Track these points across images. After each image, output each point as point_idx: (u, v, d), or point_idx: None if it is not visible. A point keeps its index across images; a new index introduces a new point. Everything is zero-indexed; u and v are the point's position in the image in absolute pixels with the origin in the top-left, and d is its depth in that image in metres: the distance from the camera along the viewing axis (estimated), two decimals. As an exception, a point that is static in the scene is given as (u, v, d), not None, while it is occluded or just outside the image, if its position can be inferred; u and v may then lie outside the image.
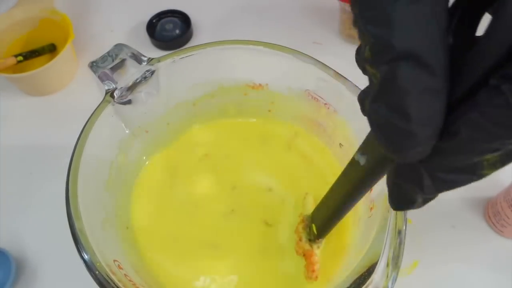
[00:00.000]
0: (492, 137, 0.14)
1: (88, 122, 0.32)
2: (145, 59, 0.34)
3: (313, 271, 0.31)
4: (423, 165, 0.16)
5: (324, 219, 0.29)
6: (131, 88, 0.34)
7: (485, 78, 0.13)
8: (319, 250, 0.31)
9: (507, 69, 0.13)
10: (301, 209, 0.34)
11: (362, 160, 0.21)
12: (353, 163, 0.22)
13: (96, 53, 0.35)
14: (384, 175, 0.20)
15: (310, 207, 0.33)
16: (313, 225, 0.31)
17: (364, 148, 0.21)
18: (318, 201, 0.30)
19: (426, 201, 0.18)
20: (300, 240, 0.32)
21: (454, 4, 0.15)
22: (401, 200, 0.18)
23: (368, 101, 0.15)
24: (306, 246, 0.32)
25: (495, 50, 0.13)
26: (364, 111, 0.16)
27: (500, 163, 0.15)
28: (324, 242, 0.31)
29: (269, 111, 0.41)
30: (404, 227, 0.27)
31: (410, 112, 0.14)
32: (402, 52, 0.13)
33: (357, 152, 0.22)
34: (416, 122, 0.14)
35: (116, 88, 0.33)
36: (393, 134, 0.14)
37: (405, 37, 0.13)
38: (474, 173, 0.15)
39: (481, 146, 0.14)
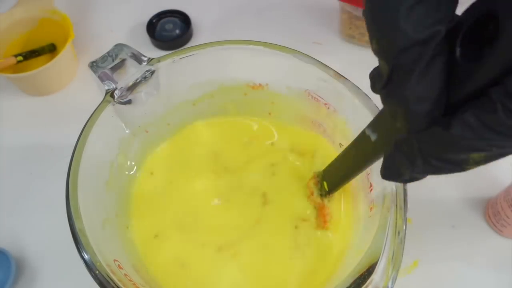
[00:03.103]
0: (479, 137, 0.16)
1: (88, 122, 0.32)
2: (145, 59, 0.34)
3: (325, 222, 0.35)
4: (419, 146, 0.18)
5: (335, 179, 0.33)
6: (131, 88, 0.34)
7: (486, 87, 0.15)
8: (330, 203, 0.36)
9: (504, 83, 0.15)
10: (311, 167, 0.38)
11: (373, 136, 0.25)
12: (363, 137, 0.26)
13: (96, 53, 0.35)
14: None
15: (319, 164, 0.37)
16: (324, 182, 0.35)
17: (375, 125, 0.25)
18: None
19: (412, 179, 0.21)
20: (312, 194, 0.36)
21: (459, 20, 0.17)
22: (392, 171, 0.21)
23: (378, 86, 0.18)
24: (318, 199, 0.36)
25: (494, 67, 0.15)
26: (374, 89, 0.19)
27: (483, 162, 0.17)
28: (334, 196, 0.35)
29: (269, 111, 0.41)
30: (404, 227, 0.27)
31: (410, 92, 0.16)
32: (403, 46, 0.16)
33: (368, 127, 0.26)
34: (417, 98, 0.17)
35: (116, 88, 0.33)
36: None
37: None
38: (460, 166, 0.18)
39: (468, 144, 0.16)
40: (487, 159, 0.17)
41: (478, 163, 0.17)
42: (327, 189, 0.35)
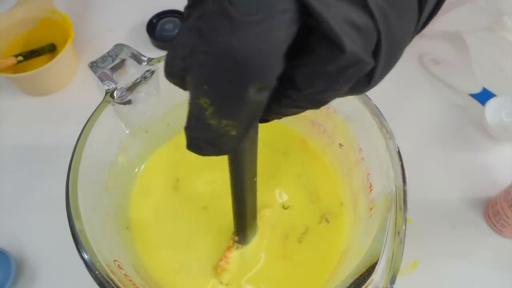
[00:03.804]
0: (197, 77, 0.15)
1: (88, 122, 0.32)
2: (145, 59, 0.34)
3: (222, 263, 0.34)
4: None
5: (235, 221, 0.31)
6: (131, 88, 0.34)
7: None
8: (236, 252, 0.34)
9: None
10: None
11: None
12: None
13: (96, 53, 0.35)
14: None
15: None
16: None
17: None
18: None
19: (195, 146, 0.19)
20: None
21: None
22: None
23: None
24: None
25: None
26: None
27: (217, 114, 0.16)
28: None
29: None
30: (404, 227, 0.27)
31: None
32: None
33: None
34: None
35: (116, 88, 0.33)
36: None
37: None
38: (202, 119, 0.16)
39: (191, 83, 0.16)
40: (215, 108, 0.16)
41: (213, 115, 0.16)
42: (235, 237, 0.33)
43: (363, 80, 0.16)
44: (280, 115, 0.19)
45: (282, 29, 0.14)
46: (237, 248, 0.34)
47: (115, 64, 0.33)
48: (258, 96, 0.15)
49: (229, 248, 0.34)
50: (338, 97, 0.17)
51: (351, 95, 0.18)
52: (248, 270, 0.34)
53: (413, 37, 0.18)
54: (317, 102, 0.17)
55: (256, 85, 0.15)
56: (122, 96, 0.33)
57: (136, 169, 0.39)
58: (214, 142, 0.17)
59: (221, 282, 0.34)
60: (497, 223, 0.40)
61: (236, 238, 0.33)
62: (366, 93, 0.32)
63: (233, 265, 0.33)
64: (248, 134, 0.18)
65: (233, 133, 0.17)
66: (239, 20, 0.13)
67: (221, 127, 0.16)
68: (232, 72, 0.14)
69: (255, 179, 0.26)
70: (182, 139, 0.41)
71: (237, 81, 0.14)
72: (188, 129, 0.18)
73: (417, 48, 0.54)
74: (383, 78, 0.17)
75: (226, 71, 0.14)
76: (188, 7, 0.16)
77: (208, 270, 0.35)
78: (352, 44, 0.14)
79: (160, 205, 0.38)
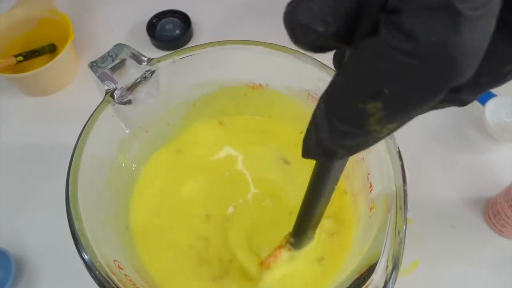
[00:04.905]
0: (371, 74, 0.13)
1: (88, 122, 0.32)
2: (145, 59, 0.34)
3: (269, 260, 0.31)
4: (322, 101, 0.16)
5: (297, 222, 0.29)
6: (131, 88, 0.34)
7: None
8: (287, 253, 0.31)
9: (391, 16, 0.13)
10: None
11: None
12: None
13: (96, 53, 0.35)
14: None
15: None
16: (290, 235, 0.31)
17: None
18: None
19: (326, 152, 0.17)
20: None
21: None
22: (305, 148, 0.18)
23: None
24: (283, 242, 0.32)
25: None
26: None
27: (386, 119, 0.14)
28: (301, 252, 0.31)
29: (269, 111, 0.41)
30: (404, 227, 0.27)
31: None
32: None
33: None
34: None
35: (116, 88, 0.33)
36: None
37: None
38: (362, 126, 0.15)
39: (361, 82, 0.14)
40: (387, 113, 0.14)
41: (380, 120, 0.14)
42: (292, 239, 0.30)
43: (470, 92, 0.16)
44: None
45: (493, 25, 0.12)
46: (289, 249, 0.32)
47: (115, 64, 0.33)
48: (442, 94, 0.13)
49: (280, 247, 0.32)
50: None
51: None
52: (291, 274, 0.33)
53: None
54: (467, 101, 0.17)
55: (453, 86, 0.13)
56: (122, 96, 0.33)
57: (136, 169, 0.39)
58: (353, 147, 0.16)
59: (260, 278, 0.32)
60: (497, 223, 0.40)
61: (292, 240, 0.31)
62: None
63: (279, 265, 0.32)
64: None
65: (383, 135, 0.15)
66: (466, 14, 0.12)
67: (377, 131, 0.15)
68: (433, 73, 0.13)
69: (335, 186, 0.24)
70: (182, 139, 0.41)
71: (437, 82, 0.13)
72: (331, 138, 0.15)
73: (417, 48, 0.54)
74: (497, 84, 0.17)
75: (427, 72, 0.13)
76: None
77: (208, 269, 0.35)
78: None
79: (160, 205, 0.38)
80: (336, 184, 0.24)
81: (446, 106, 0.16)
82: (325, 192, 0.24)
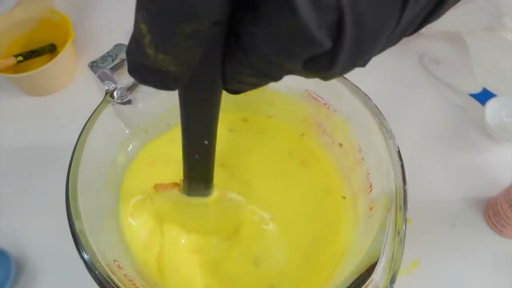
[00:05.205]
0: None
1: (88, 122, 0.32)
2: (145, 59, 0.34)
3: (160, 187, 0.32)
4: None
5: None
6: (131, 88, 0.34)
7: None
8: (176, 192, 0.32)
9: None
10: None
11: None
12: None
13: (96, 53, 0.35)
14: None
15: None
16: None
17: None
18: None
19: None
20: None
21: None
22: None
23: None
24: None
25: None
26: None
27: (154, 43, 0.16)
28: None
29: (269, 111, 0.41)
30: (404, 227, 0.27)
31: None
32: None
33: None
34: None
35: (116, 88, 0.33)
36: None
37: None
38: (140, 45, 0.16)
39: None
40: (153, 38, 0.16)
41: (150, 45, 0.16)
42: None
43: (322, 62, 0.16)
44: (239, 83, 0.18)
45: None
46: (179, 190, 0.32)
47: (115, 64, 0.33)
48: (193, 37, 0.15)
49: (176, 184, 0.32)
50: (291, 74, 0.17)
51: (312, 76, 0.17)
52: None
53: (404, 33, 0.17)
54: (264, 73, 0.17)
55: (191, 24, 0.14)
56: (122, 96, 0.33)
57: (136, 169, 0.39)
58: (153, 72, 0.17)
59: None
60: (497, 223, 0.40)
61: (181, 182, 0.31)
62: (366, 93, 0.33)
63: (166, 196, 0.33)
64: (192, 77, 0.18)
65: (173, 69, 0.17)
66: None
67: (158, 61, 0.16)
68: (169, 5, 0.14)
69: (205, 142, 0.25)
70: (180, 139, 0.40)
71: (172, 15, 0.14)
72: (129, 52, 0.17)
73: (417, 48, 0.54)
74: (353, 67, 0.17)
75: (163, 3, 0.14)
76: None
77: (208, 269, 0.35)
78: (305, 11, 0.13)
79: (160, 204, 0.38)
80: (206, 139, 0.25)
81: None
82: (190, 142, 0.25)
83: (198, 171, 0.29)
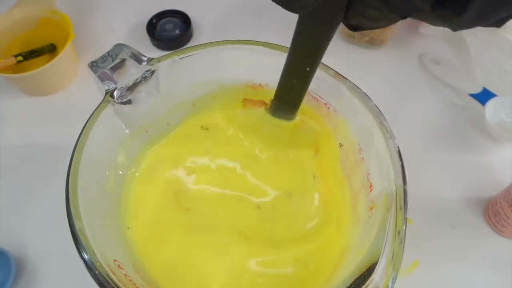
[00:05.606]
0: None
1: (88, 122, 0.32)
2: (145, 59, 0.34)
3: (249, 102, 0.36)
4: None
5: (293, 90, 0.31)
6: (131, 88, 0.34)
7: None
8: (262, 110, 0.36)
9: None
10: None
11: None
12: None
13: (96, 53, 0.35)
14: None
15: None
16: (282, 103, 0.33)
17: None
18: None
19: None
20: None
21: None
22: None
23: None
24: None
25: None
26: None
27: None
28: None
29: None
30: (404, 227, 0.27)
31: None
32: None
33: None
34: None
35: (116, 88, 0.33)
36: None
37: None
38: None
39: None
40: None
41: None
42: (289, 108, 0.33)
43: (451, 6, 0.15)
44: (362, 17, 0.19)
45: None
46: (266, 109, 0.34)
47: (115, 64, 0.33)
48: None
49: (262, 103, 0.35)
50: (418, 13, 0.17)
51: (439, 22, 0.17)
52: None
53: None
54: (392, 5, 0.17)
55: None
56: (122, 96, 0.33)
57: (136, 169, 0.39)
58: None
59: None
60: (497, 223, 0.40)
61: (269, 102, 0.34)
62: (366, 93, 0.33)
63: (252, 112, 0.35)
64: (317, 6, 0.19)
65: None
66: None
67: None
68: None
69: (307, 68, 0.27)
70: (182, 139, 0.41)
71: None
72: None
73: (417, 48, 0.54)
74: (483, 20, 0.16)
75: None
76: None
77: (209, 269, 0.35)
78: None
79: (161, 204, 0.38)
80: (308, 66, 0.27)
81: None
82: (296, 63, 0.27)
83: (291, 95, 0.31)
